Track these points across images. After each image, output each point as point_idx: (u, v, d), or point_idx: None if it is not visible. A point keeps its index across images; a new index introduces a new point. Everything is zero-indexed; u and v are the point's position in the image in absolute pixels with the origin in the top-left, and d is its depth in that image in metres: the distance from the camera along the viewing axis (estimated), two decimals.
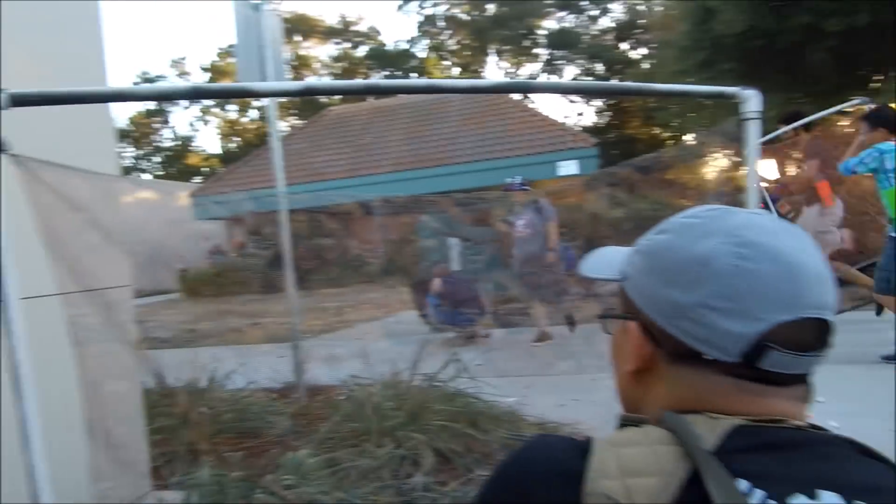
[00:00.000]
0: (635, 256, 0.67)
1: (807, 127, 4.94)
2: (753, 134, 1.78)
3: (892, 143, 3.94)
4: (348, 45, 35.07)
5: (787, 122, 4.97)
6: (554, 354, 5.43)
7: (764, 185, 4.99)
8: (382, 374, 3.87)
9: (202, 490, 1.97)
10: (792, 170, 6.21)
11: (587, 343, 5.52)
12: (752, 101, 1.77)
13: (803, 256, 0.59)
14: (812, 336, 0.58)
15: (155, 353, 5.02)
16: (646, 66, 24.53)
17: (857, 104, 4.99)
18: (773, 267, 0.57)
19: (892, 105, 5.75)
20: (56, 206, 1.08)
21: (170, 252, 19.78)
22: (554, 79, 31.08)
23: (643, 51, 29.58)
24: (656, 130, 28.41)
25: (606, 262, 0.75)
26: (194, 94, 1.19)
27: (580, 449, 0.58)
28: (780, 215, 5.13)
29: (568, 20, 31.09)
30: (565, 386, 4.40)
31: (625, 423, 0.65)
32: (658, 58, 21.76)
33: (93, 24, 2.33)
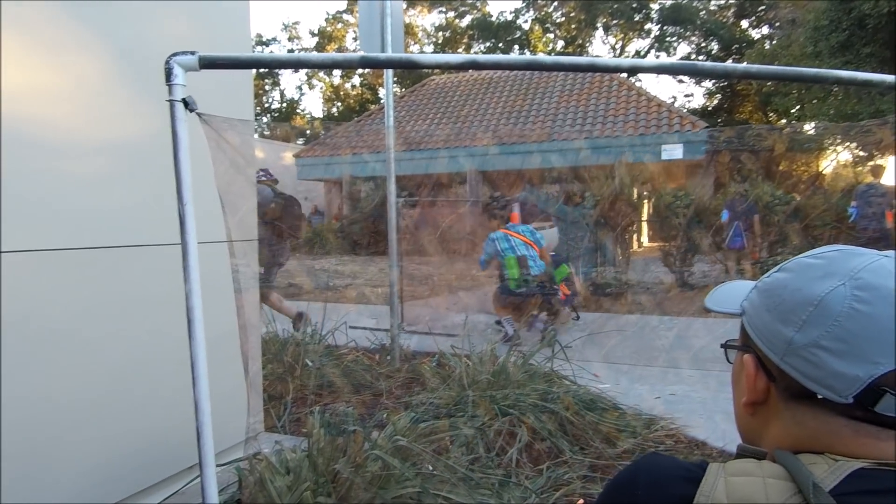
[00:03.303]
0: (753, 293, 0.69)
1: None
2: None
3: (502, 231, 5.10)
4: (452, 14, 34.90)
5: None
6: (651, 345, 5.28)
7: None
8: (475, 346, 3.93)
9: (315, 435, 2.09)
10: None
11: (680, 338, 5.34)
12: None
13: None
14: None
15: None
16: (767, 46, 22.72)
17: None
18: (891, 311, 0.56)
19: None
20: (235, 164, 1.16)
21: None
22: (663, 56, 29.52)
23: (765, 30, 27.45)
24: (772, 116, 26.46)
25: (730, 295, 0.75)
26: (363, 64, 1.22)
27: (693, 475, 0.60)
28: None
29: None
30: (658, 378, 4.27)
31: (743, 453, 0.66)
32: (784, 38, 20.08)
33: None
